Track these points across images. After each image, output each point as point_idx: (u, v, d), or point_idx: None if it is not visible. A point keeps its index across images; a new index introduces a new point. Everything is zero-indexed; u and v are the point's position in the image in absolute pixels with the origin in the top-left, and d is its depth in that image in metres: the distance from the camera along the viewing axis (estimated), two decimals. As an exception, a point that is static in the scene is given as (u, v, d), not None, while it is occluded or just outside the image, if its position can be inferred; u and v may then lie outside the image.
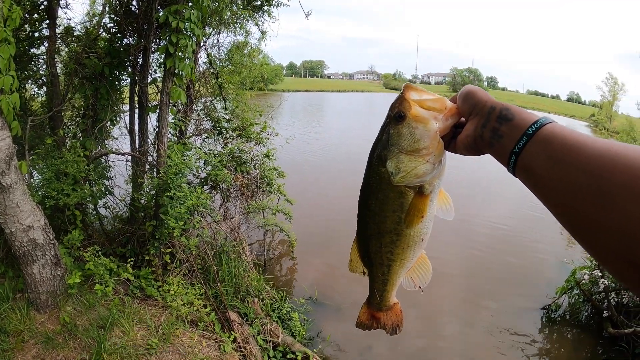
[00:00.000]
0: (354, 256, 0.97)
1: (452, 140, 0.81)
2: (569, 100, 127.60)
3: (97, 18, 6.14)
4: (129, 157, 6.36)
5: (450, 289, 8.02)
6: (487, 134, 0.71)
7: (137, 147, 6.24)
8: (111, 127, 6.18)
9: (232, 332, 5.03)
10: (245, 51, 7.98)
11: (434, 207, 0.85)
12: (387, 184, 0.80)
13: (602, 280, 6.75)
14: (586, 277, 7.02)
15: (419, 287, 0.97)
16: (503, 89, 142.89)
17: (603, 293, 7.08)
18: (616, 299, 7.18)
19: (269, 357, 5.13)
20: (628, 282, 0.52)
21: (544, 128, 0.63)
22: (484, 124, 0.72)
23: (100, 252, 5.14)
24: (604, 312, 7.02)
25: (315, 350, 5.47)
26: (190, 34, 4.91)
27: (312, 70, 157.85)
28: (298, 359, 5.14)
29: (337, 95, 71.81)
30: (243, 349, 4.91)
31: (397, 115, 0.78)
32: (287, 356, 5.18)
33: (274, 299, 6.30)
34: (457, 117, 0.79)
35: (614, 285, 7.00)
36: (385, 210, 0.83)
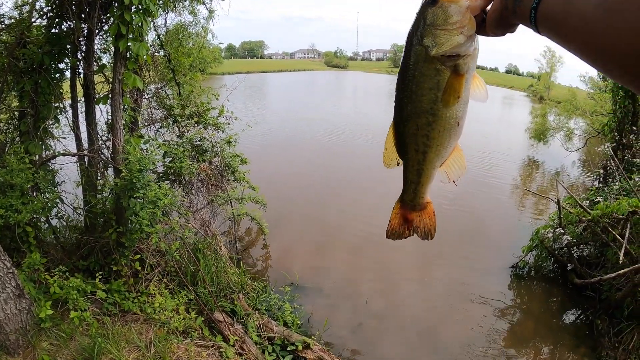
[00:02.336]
0: (388, 145, 0.96)
1: (482, 24, 0.86)
2: (508, 72, 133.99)
3: (28, 5, 5.22)
4: (77, 158, 5.61)
5: (420, 253, 8.18)
6: (511, 3, 0.78)
7: (86, 145, 5.50)
8: (56, 125, 5.39)
9: (227, 337, 4.71)
10: (192, 30, 7.31)
11: (469, 91, 0.88)
12: (424, 61, 0.84)
13: (565, 236, 7.11)
14: (549, 235, 7.37)
15: (453, 181, 0.98)
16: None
17: (566, 248, 7.52)
18: (578, 253, 7.68)
19: (268, 353, 4.87)
20: None
21: None
22: None
23: (67, 273, 4.52)
24: (568, 265, 7.49)
25: (313, 336, 5.33)
26: (143, 11, 4.32)
27: (252, 51, 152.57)
28: (299, 349, 4.95)
29: (280, 76, 70.40)
30: (242, 351, 4.60)
31: (430, 1, 0.83)
32: (288, 348, 4.96)
33: (258, 292, 6.01)
34: (485, 1, 0.84)
35: (574, 240, 7.45)
36: (422, 88, 0.85)
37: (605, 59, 0.63)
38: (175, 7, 6.35)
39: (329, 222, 9.58)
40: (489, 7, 0.85)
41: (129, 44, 4.46)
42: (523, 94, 59.54)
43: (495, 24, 0.84)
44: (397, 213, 1.04)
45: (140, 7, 4.34)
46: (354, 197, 11.11)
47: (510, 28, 0.84)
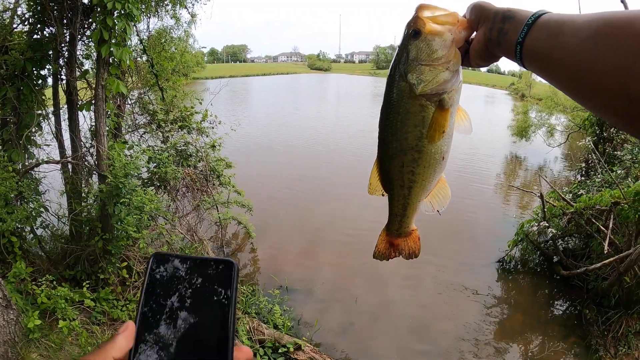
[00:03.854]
0: (373, 180, 0.96)
1: (466, 54, 0.85)
2: (489, 71, 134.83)
3: (9, 11, 5.13)
4: (61, 166, 5.53)
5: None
6: (495, 35, 0.77)
7: (70, 152, 5.43)
8: (39, 133, 5.30)
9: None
10: (174, 34, 7.26)
11: (453, 124, 0.87)
12: (408, 97, 0.83)
13: (549, 229, 7.23)
14: (534, 228, 7.48)
15: (437, 210, 0.99)
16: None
17: (551, 241, 7.65)
18: (563, 245, 7.82)
19: (260, 356, 4.85)
20: (635, 122, 0.58)
21: (542, 17, 0.71)
22: (491, 27, 0.78)
23: (54, 282, 4.45)
24: (554, 257, 7.59)
25: (304, 337, 5.33)
26: (125, 16, 4.28)
27: (235, 55, 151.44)
28: (290, 351, 4.96)
29: (263, 79, 70.06)
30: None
31: (413, 33, 0.81)
32: (279, 350, 4.97)
33: (247, 296, 5.99)
34: (469, 30, 0.83)
35: (559, 233, 7.59)
36: (407, 125, 0.85)
37: (592, 96, 0.63)
38: (158, 12, 6.31)
39: (316, 224, 9.58)
40: (473, 36, 0.85)
41: (112, 49, 4.42)
42: (505, 92, 60.24)
43: (479, 55, 0.83)
44: (384, 239, 1.05)
45: (123, 12, 4.31)
46: (340, 198, 11.13)
47: (495, 59, 0.84)
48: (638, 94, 0.55)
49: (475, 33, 0.84)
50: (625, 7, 5.55)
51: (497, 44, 0.78)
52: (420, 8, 0.83)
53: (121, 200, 4.59)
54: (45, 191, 5.46)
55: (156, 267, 0.60)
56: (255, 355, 4.82)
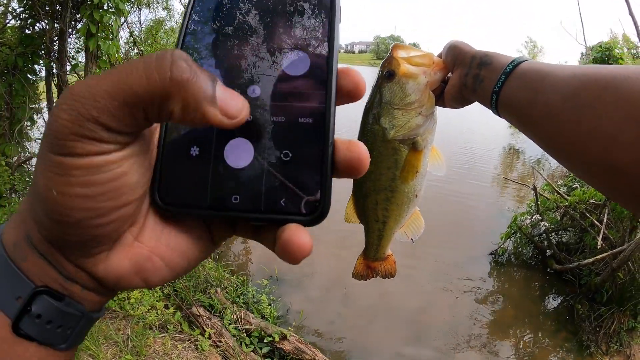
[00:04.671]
0: (349, 211, 0.99)
1: (440, 95, 0.85)
2: None
3: (2, 6, 5.23)
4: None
5: (401, 242, 8.20)
6: (470, 81, 0.76)
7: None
8: (32, 127, 5.42)
9: (204, 328, 4.77)
10: (167, 26, 7.30)
11: (427, 164, 0.88)
12: (381, 141, 0.83)
13: (542, 222, 7.20)
14: (527, 221, 7.46)
15: (411, 239, 1.04)
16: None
17: (544, 235, 7.66)
18: (556, 239, 7.79)
19: (245, 345, 4.94)
20: (613, 190, 0.58)
21: (520, 65, 0.69)
22: (467, 72, 0.77)
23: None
24: (547, 251, 7.61)
25: (290, 327, 5.40)
26: (113, 10, 4.34)
27: None
28: (276, 340, 5.01)
29: None
30: (219, 343, 4.67)
31: (387, 74, 0.80)
32: (265, 340, 5.04)
33: (236, 286, 6.07)
34: (445, 71, 0.83)
35: (553, 227, 7.60)
36: (380, 167, 0.86)
37: (573, 159, 0.60)
38: (150, 5, 6.35)
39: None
40: (448, 76, 0.84)
41: (99, 42, 4.48)
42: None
43: (453, 99, 0.83)
44: (361, 263, 1.12)
45: (110, 6, 4.36)
46: (335, 189, 11.06)
47: (469, 103, 0.83)
48: (622, 164, 0.52)
49: (451, 74, 0.83)
50: (629, 8, 5.35)
51: (472, 91, 0.77)
52: (395, 48, 0.83)
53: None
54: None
55: None
56: (241, 344, 4.91)
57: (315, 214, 0.41)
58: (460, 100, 0.82)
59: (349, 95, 0.41)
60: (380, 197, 0.90)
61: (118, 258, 0.38)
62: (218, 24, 0.41)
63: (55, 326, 0.38)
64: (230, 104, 0.35)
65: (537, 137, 0.67)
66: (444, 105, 0.87)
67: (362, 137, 0.86)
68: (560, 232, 7.86)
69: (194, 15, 0.41)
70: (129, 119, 0.32)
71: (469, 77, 0.77)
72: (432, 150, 0.89)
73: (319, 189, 0.40)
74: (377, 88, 0.83)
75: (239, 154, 0.39)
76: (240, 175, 0.39)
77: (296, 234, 0.37)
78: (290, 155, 0.39)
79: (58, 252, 0.36)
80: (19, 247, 0.37)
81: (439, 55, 0.86)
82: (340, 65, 0.41)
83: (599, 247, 6.18)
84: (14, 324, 0.36)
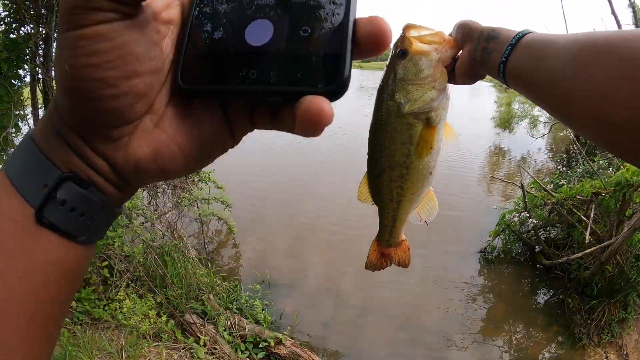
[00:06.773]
0: (362, 189, 0.99)
1: (452, 73, 0.87)
2: None
3: None
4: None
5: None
6: (479, 54, 0.80)
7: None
8: (16, 134, 5.22)
9: (199, 336, 4.64)
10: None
11: (440, 140, 0.89)
12: (396, 116, 0.84)
13: (530, 220, 7.29)
14: (515, 219, 7.54)
15: (425, 221, 1.03)
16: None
17: (532, 231, 7.73)
18: (545, 235, 7.89)
19: (241, 351, 4.84)
20: (614, 148, 0.61)
21: (525, 37, 0.72)
22: (476, 47, 0.81)
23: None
24: (536, 247, 7.67)
25: (284, 332, 5.30)
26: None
27: None
28: (271, 345, 4.94)
29: None
30: (214, 351, 4.56)
31: (400, 53, 0.82)
32: (260, 345, 4.96)
33: (228, 291, 5.95)
34: (456, 49, 0.85)
35: (541, 223, 7.72)
36: (395, 143, 0.87)
37: (574, 120, 0.64)
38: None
39: (300, 218, 9.47)
40: (459, 54, 0.86)
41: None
42: (489, 84, 60.54)
43: (464, 74, 0.85)
44: (375, 250, 1.09)
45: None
46: (326, 192, 11.02)
47: (480, 77, 0.86)
48: (616, 120, 0.55)
49: (460, 52, 0.86)
50: (612, 7, 5.44)
51: (481, 63, 0.80)
52: (407, 28, 0.84)
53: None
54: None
55: None
56: (236, 350, 4.80)
57: (334, 85, 0.39)
58: (471, 74, 0.85)
59: (371, 43, 0.39)
60: (395, 174, 0.90)
61: (138, 143, 0.39)
62: None
63: (77, 213, 0.39)
64: None
65: (544, 102, 0.70)
66: (455, 82, 0.90)
67: (376, 114, 0.87)
68: (548, 228, 7.98)
69: None
70: None
71: (478, 50, 0.80)
72: (445, 126, 0.91)
73: (338, 61, 0.39)
74: (391, 67, 0.85)
75: (260, 33, 0.40)
76: (259, 52, 0.40)
77: (315, 100, 0.36)
78: (309, 31, 0.40)
79: (80, 138, 0.37)
80: (48, 139, 0.38)
81: (450, 34, 0.88)
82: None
83: (587, 241, 6.25)
84: (38, 211, 0.37)
